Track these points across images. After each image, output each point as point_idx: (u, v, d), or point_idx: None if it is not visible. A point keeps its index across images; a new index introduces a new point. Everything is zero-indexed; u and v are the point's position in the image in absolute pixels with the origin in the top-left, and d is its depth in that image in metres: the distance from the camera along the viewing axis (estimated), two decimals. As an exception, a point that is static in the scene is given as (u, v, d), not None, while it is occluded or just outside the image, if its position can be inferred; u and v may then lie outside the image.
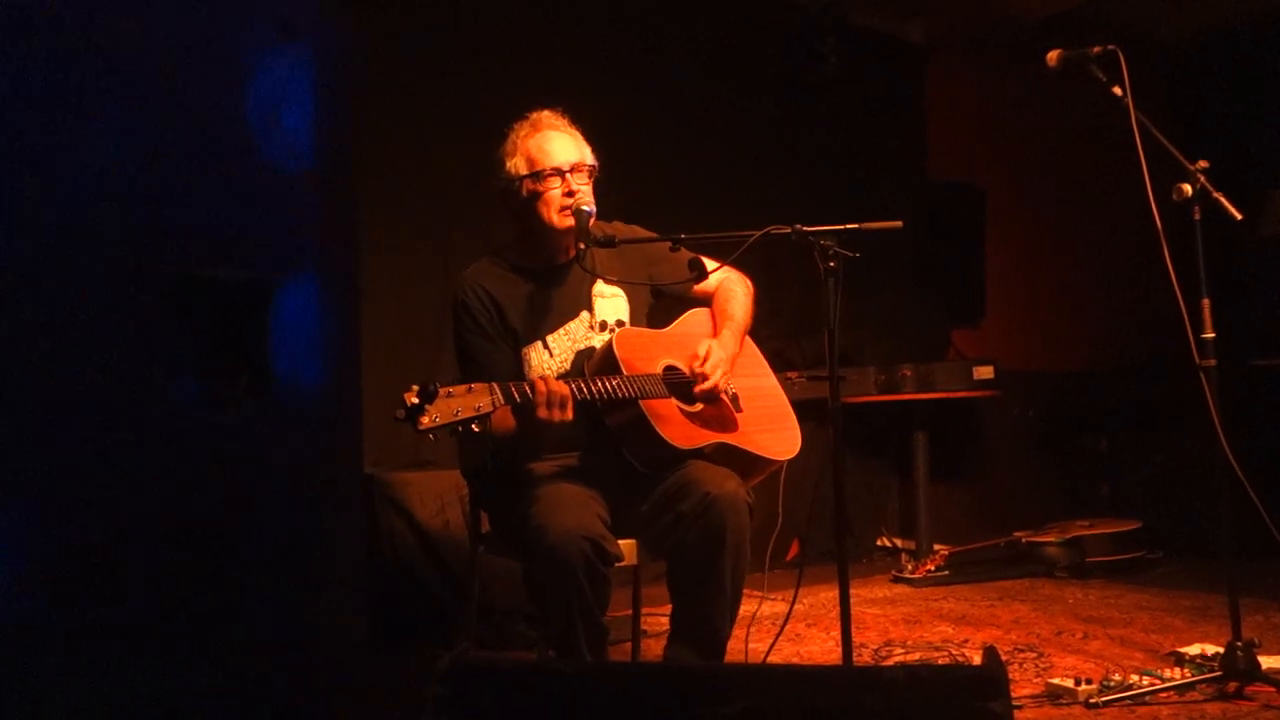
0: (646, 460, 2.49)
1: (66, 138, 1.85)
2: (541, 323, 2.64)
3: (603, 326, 2.67)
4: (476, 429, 2.19)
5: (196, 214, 2.04)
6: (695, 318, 2.81)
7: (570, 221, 2.57)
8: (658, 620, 2.65)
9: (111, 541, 1.88)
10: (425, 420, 2.12)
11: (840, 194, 4.97)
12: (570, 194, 2.57)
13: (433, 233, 4.17)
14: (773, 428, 2.73)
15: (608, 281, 2.70)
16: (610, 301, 2.71)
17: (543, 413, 2.28)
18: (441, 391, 2.14)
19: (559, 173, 2.57)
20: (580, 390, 2.36)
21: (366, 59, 3.16)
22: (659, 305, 2.82)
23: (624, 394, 2.42)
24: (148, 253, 1.94)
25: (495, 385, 2.23)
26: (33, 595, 1.78)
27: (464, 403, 2.16)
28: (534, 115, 2.64)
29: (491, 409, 2.20)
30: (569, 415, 2.31)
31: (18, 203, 1.79)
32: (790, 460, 2.72)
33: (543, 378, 2.33)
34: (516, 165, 2.60)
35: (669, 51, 4.83)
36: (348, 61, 2.32)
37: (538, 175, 2.58)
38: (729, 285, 2.82)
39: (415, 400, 2.12)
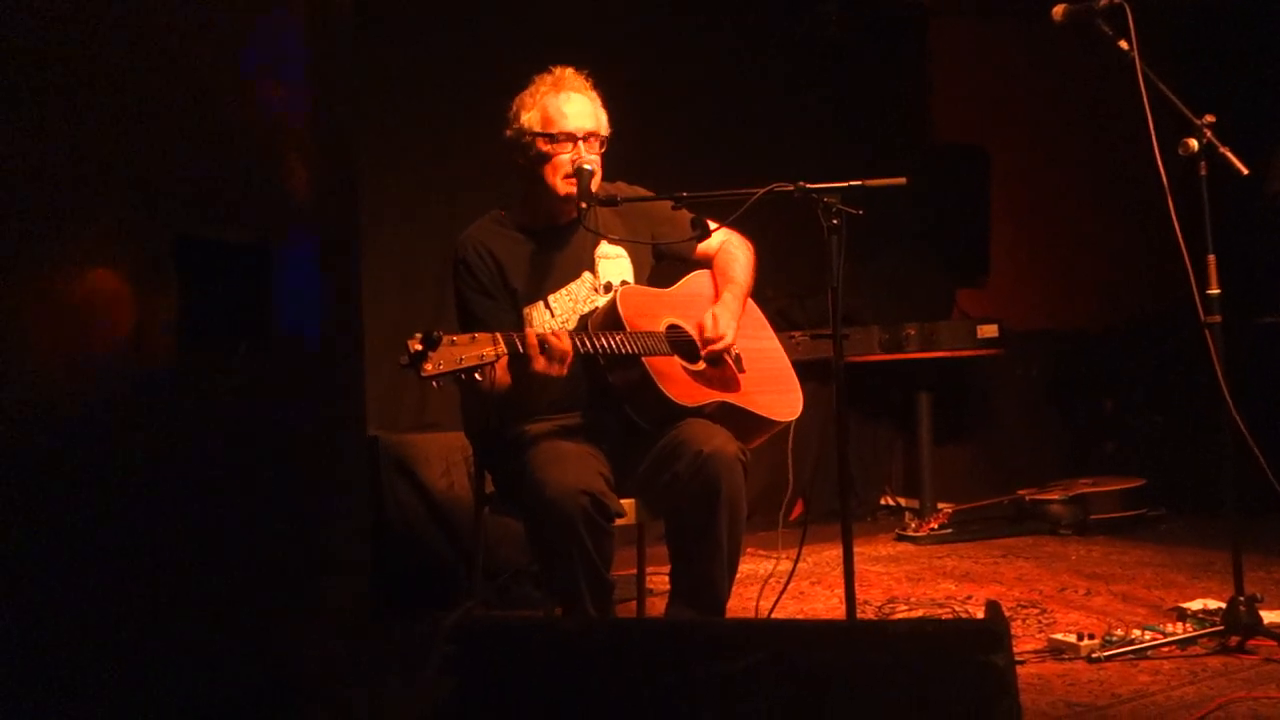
0: (649, 417, 2.50)
1: (61, 102, 1.84)
2: (544, 282, 2.63)
3: (607, 288, 2.66)
4: (480, 378, 2.19)
5: (195, 174, 2.03)
6: (698, 279, 2.80)
7: (573, 189, 2.55)
8: (663, 579, 2.66)
9: (110, 505, 1.89)
10: (429, 367, 2.13)
11: (844, 156, 4.93)
12: (580, 159, 2.55)
13: (436, 191, 4.15)
14: (775, 389, 2.73)
15: (611, 242, 2.69)
16: (614, 262, 2.71)
17: (539, 365, 2.28)
18: (445, 339, 2.15)
19: (572, 138, 2.55)
20: (584, 344, 2.36)
21: (367, 11, 3.12)
22: (660, 267, 2.81)
23: (627, 350, 2.42)
24: (146, 214, 1.94)
25: (499, 335, 2.24)
26: (35, 553, 1.80)
27: (467, 351, 2.17)
28: (558, 72, 2.60)
29: (495, 358, 2.21)
30: (565, 370, 2.31)
31: (12, 164, 1.78)
32: (794, 421, 2.72)
33: (548, 332, 2.32)
34: (531, 120, 2.58)
35: (673, 11, 4.79)
36: (346, 14, 2.30)
37: (551, 137, 2.55)
38: (730, 248, 2.81)
39: (419, 347, 2.13)
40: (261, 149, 2.15)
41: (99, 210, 1.88)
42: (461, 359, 2.15)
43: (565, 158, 2.55)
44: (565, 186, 2.56)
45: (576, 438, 2.51)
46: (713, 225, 2.63)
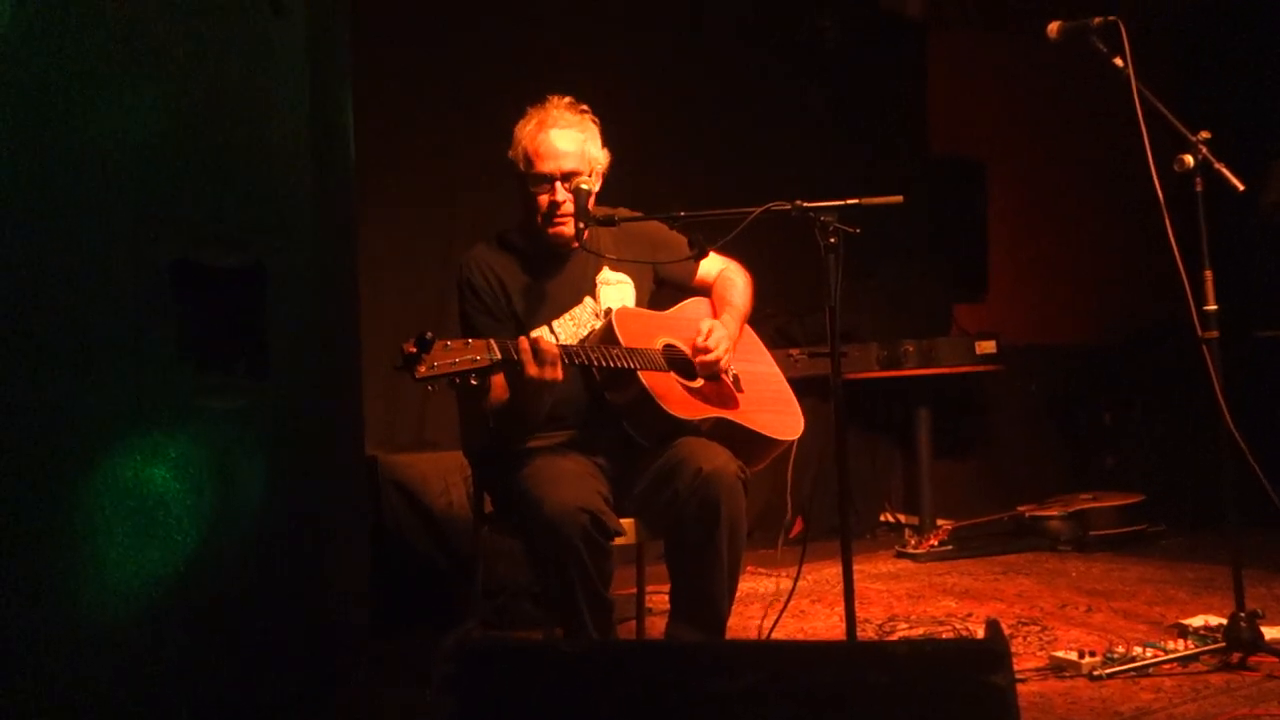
0: (647, 433, 2.50)
1: (66, 123, 1.84)
2: (546, 307, 2.64)
3: (608, 313, 2.66)
4: (474, 382, 2.20)
5: (193, 198, 2.03)
6: (695, 304, 2.82)
7: (558, 229, 2.58)
8: (663, 598, 2.65)
9: (111, 520, 1.88)
10: (422, 369, 2.14)
11: (842, 171, 4.94)
12: (557, 204, 2.57)
13: (436, 210, 4.15)
14: (774, 409, 2.73)
15: (613, 268, 2.70)
16: (616, 289, 2.71)
17: (533, 370, 2.28)
18: (439, 343, 2.16)
19: (550, 179, 2.56)
20: (579, 356, 2.36)
21: (366, 19, 3.13)
22: (658, 295, 2.82)
23: (623, 364, 2.42)
24: (146, 234, 1.94)
25: (492, 341, 2.25)
26: (40, 572, 1.79)
27: (462, 355, 2.18)
28: (548, 104, 2.61)
29: (489, 364, 2.22)
30: (559, 374, 2.32)
31: (21, 189, 1.78)
32: (795, 442, 2.71)
33: (533, 338, 2.32)
34: (516, 156, 2.62)
35: (668, 26, 4.80)
36: (344, 26, 2.31)
37: (531, 177, 2.58)
38: (728, 275, 2.84)
39: (413, 349, 2.14)
40: (260, 167, 2.15)
41: (97, 224, 1.88)
42: (455, 362, 2.17)
43: (544, 198, 2.57)
44: (546, 227, 2.59)
45: (574, 454, 2.51)
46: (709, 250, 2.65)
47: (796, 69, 5.14)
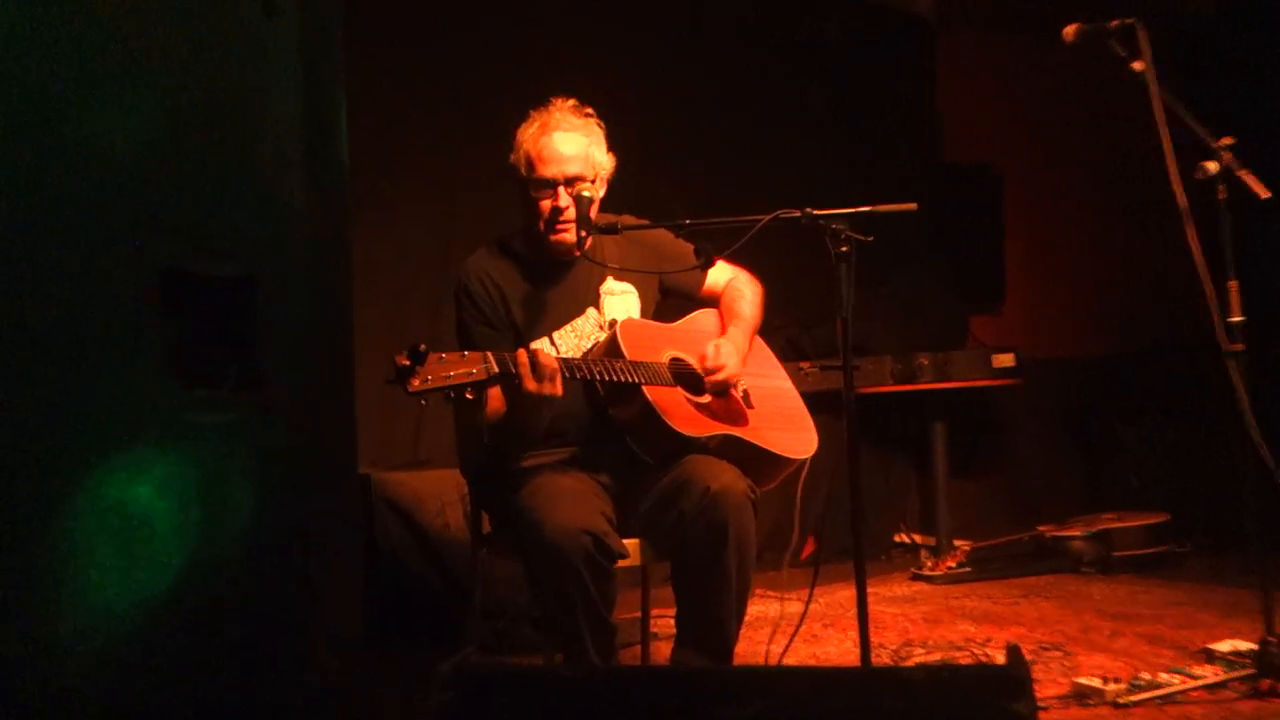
0: (651, 450, 2.44)
1: (59, 124, 1.80)
2: (547, 318, 2.59)
3: (612, 325, 2.60)
4: (470, 396, 2.15)
5: (183, 204, 1.99)
6: (703, 316, 2.77)
7: (559, 236, 2.53)
8: (668, 622, 2.59)
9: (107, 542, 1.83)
10: (416, 382, 2.09)
11: (852, 177, 4.91)
12: (559, 209, 2.51)
13: (432, 212, 4.13)
14: (786, 426, 2.66)
15: (617, 277, 2.64)
16: (620, 299, 2.66)
17: (531, 384, 2.22)
18: (433, 356, 2.11)
19: (553, 184, 2.51)
20: (581, 370, 2.30)
21: (360, 17, 3.10)
22: (665, 306, 2.77)
23: (627, 378, 2.36)
24: (136, 245, 1.90)
25: (489, 354, 2.19)
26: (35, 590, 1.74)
27: (457, 369, 2.13)
28: (551, 107, 2.57)
29: (485, 378, 2.16)
30: (558, 389, 2.25)
31: (14, 191, 1.74)
32: (807, 459, 2.64)
33: (531, 350, 2.26)
34: (518, 161, 2.57)
35: (668, 26, 4.79)
36: (337, 26, 2.27)
37: (533, 182, 2.53)
38: (737, 285, 2.77)
39: (406, 362, 2.09)
40: (252, 169, 2.11)
41: (90, 228, 1.84)
42: (450, 376, 2.12)
43: (547, 203, 2.53)
44: (548, 233, 2.54)
45: (576, 472, 2.45)
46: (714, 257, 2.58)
47: (797, 69, 5.15)
